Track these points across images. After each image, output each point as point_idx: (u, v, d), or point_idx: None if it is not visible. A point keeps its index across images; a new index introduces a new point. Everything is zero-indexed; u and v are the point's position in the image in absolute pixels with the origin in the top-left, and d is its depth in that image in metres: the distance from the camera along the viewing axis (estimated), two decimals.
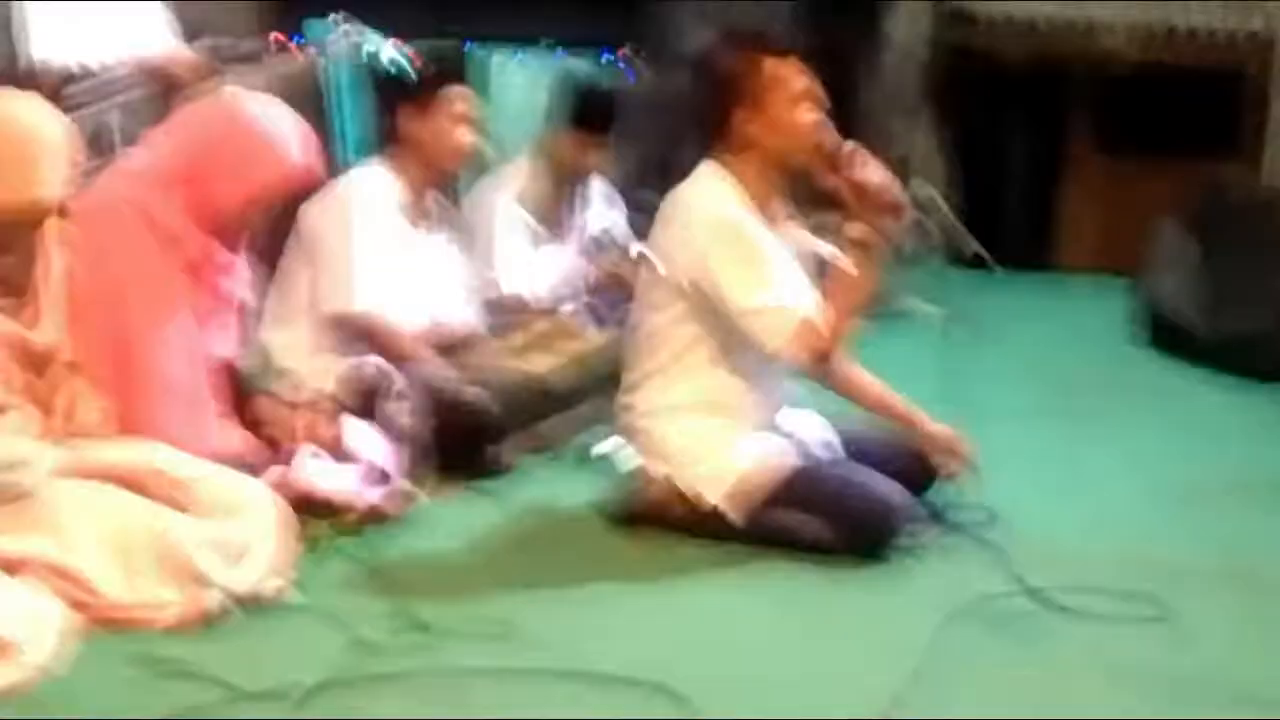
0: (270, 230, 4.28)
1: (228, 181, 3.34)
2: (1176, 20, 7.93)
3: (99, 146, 4.37)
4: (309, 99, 5.82)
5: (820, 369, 3.58)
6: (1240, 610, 3.25)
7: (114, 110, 4.47)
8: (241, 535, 3.05)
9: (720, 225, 3.43)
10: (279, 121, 3.44)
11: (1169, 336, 6.04)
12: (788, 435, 3.64)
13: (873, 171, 3.43)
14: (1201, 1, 7.98)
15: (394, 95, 4.41)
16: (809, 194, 3.73)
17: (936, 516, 3.66)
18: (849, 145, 3.47)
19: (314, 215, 4.22)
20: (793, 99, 3.49)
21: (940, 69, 8.38)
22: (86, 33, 4.55)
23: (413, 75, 4.53)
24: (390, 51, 6.13)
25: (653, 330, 3.56)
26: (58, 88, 4.29)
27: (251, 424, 3.63)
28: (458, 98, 4.35)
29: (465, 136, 4.35)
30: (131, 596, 2.87)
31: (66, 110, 3.79)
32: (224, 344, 3.56)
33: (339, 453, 3.56)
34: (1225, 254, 5.95)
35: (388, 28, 6.35)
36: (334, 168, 4.85)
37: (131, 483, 3.00)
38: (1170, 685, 2.81)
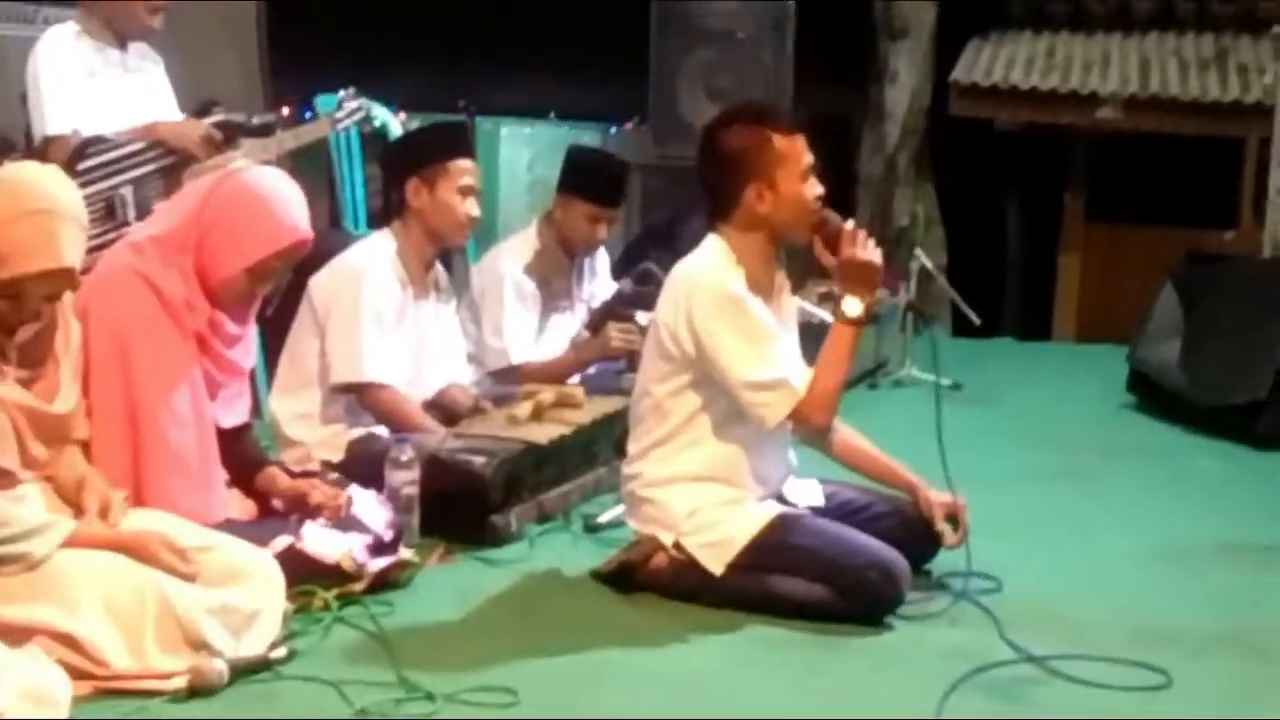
0: (280, 300, 4.36)
1: (229, 253, 3.38)
2: (1175, 90, 8.01)
3: (112, 219, 4.45)
4: (319, 171, 5.92)
5: (818, 439, 3.63)
6: (1237, 672, 3.26)
7: (127, 184, 4.53)
8: (247, 604, 3.07)
9: (722, 298, 3.48)
10: (283, 194, 3.49)
11: (1163, 402, 6.09)
12: (791, 505, 3.68)
13: (869, 250, 3.49)
14: (1201, 72, 8.07)
15: (401, 168, 4.47)
16: (812, 265, 3.80)
17: (938, 583, 3.70)
18: (849, 224, 3.53)
19: (323, 286, 4.28)
20: (802, 175, 3.55)
21: (938, 140, 8.47)
22: (99, 108, 4.62)
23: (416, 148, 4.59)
24: (398, 126, 6.23)
25: (657, 400, 3.60)
26: (72, 161, 4.36)
27: (260, 493, 3.66)
28: (463, 171, 4.42)
29: (471, 209, 4.41)
30: (137, 665, 2.89)
31: (80, 183, 3.87)
32: (233, 413, 3.60)
33: (345, 521, 3.58)
34: (1218, 322, 6.00)
35: (394, 103, 6.45)
36: (342, 238, 4.93)
37: (138, 552, 3.02)
38: None
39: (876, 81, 8.71)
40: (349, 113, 5.16)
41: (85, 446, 3.24)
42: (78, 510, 3.09)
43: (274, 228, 3.42)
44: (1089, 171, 8.47)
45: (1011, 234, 8.79)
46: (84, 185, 4.16)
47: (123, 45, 4.76)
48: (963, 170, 8.54)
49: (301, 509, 3.56)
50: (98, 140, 4.51)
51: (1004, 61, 8.34)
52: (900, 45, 8.62)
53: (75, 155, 4.42)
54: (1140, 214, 8.20)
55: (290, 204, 3.48)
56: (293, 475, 3.71)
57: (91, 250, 3.87)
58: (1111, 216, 8.41)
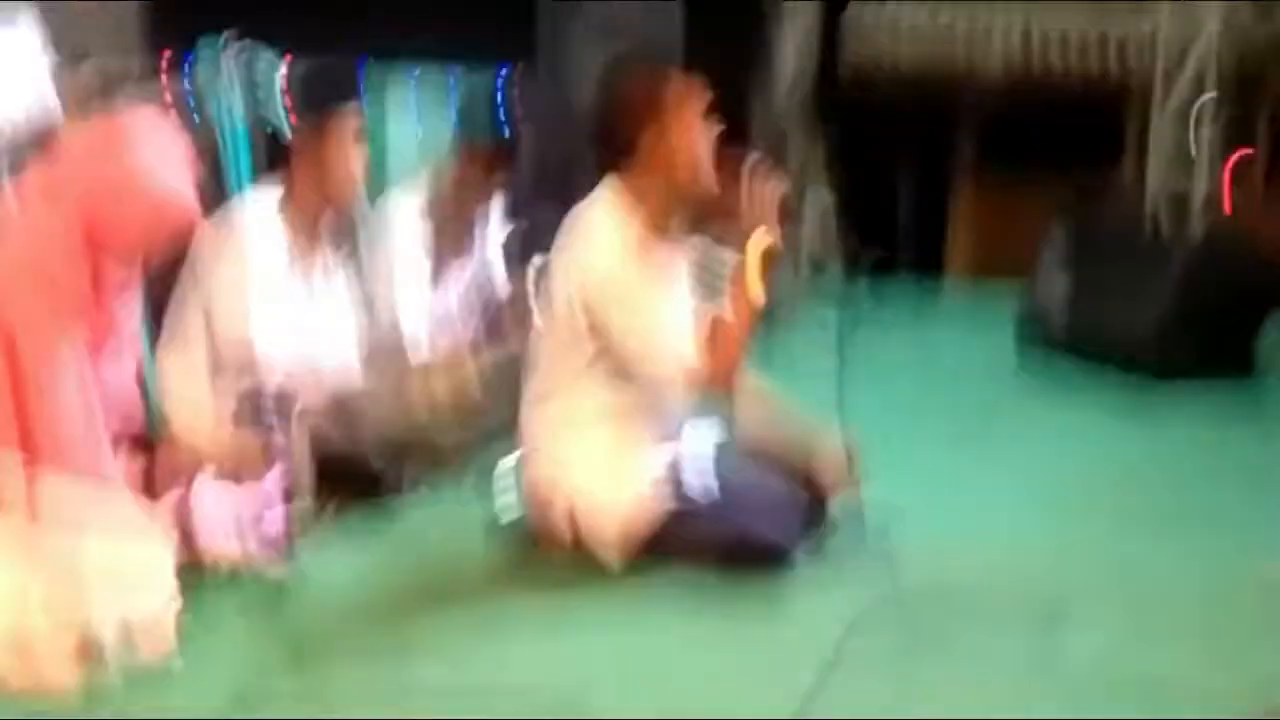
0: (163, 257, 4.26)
1: (117, 235, 3.30)
2: (1052, 27, 8.06)
3: None
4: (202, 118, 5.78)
5: (721, 390, 3.61)
6: (1123, 602, 3.32)
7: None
8: (141, 561, 3.01)
9: (610, 278, 3.45)
10: (167, 157, 3.40)
11: (1054, 339, 6.17)
12: (681, 456, 3.64)
13: (771, 183, 3.47)
14: (1079, 2, 8.11)
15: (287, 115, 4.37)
16: (705, 205, 3.77)
17: (834, 526, 3.70)
18: (750, 158, 3.50)
19: (207, 246, 4.17)
20: (699, 118, 3.52)
21: (830, 82, 8.48)
22: None
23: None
24: (282, 70, 6.09)
25: (554, 345, 3.57)
26: None
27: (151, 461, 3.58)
28: (351, 115, 4.32)
29: (358, 162, 4.32)
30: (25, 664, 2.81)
31: None
32: (120, 372, 3.51)
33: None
34: (1106, 261, 6.09)
35: (280, 46, 6.30)
36: (227, 192, 4.81)
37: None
38: (1061, 679, 2.87)
39: (770, 27, 8.68)
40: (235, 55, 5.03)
41: None
42: None
43: (160, 219, 3.33)
44: (978, 114, 8.54)
45: (905, 176, 8.84)
46: None
47: None
48: (857, 115, 8.56)
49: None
50: None
51: (895, 2, 8.34)
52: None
53: None
54: (1031, 156, 8.28)
55: (175, 194, 3.37)
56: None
57: None
58: (1003, 159, 8.49)
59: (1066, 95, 8.13)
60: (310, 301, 4.34)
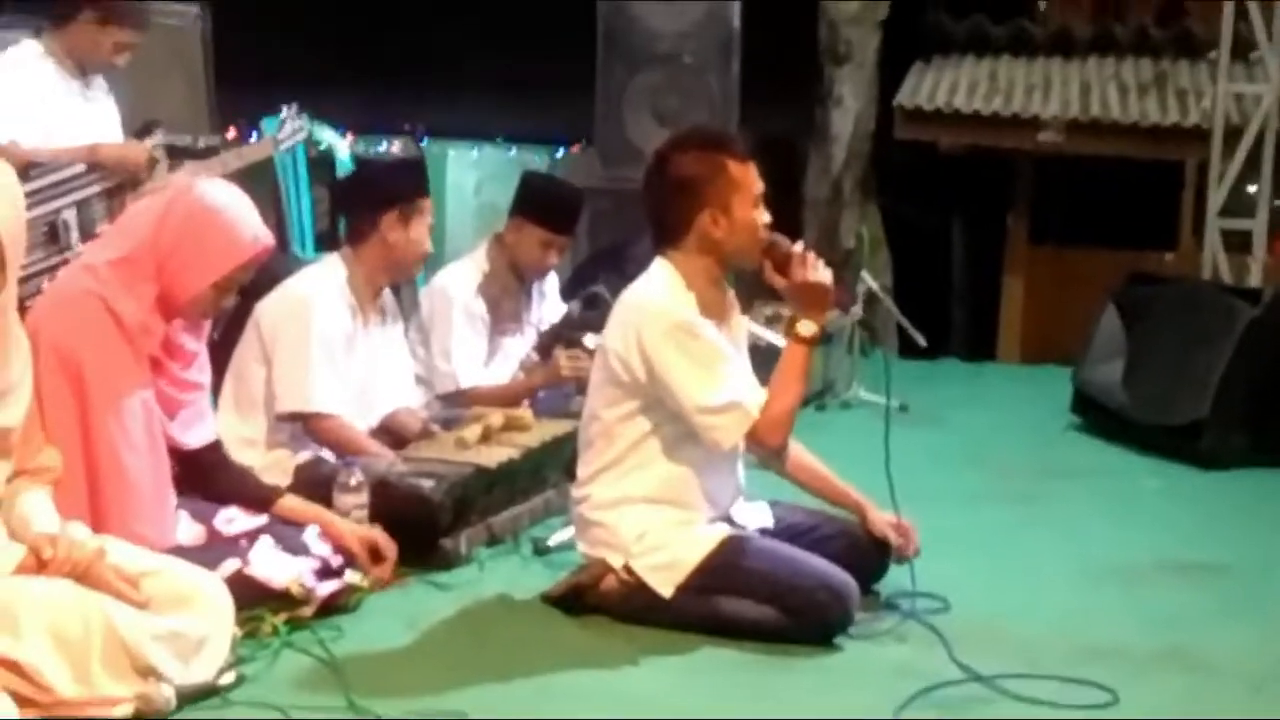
0: (225, 324, 4.34)
1: (195, 271, 3.38)
2: (1115, 114, 8.11)
3: (55, 244, 4.43)
4: (265, 193, 5.90)
5: (771, 459, 3.66)
6: (1180, 689, 3.31)
7: (70, 207, 4.51)
8: (195, 629, 3.05)
9: (672, 325, 3.49)
10: (237, 205, 3.50)
11: (1105, 423, 6.16)
12: (741, 527, 3.69)
13: (819, 271, 3.51)
14: (1140, 96, 8.17)
15: (376, 200, 4.42)
16: (759, 287, 3.83)
17: (886, 604, 3.73)
18: (797, 246, 3.56)
19: (270, 313, 4.26)
20: (754, 202, 3.57)
21: (883, 162, 8.53)
22: (51, 130, 4.61)
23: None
24: (346, 149, 6.22)
25: (605, 424, 3.61)
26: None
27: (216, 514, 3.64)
28: (429, 209, 4.45)
29: (428, 244, 4.46)
30: (83, 692, 2.86)
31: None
32: (196, 433, 3.57)
33: (293, 546, 3.56)
34: (1159, 342, 6.09)
35: (341, 125, 6.45)
36: (289, 262, 4.91)
37: (87, 579, 3.00)
38: None
39: (821, 105, 8.76)
40: (292, 132, 5.16)
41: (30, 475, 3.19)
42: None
43: (236, 240, 3.43)
44: (1032, 194, 8.56)
45: (956, 256, 8.86)
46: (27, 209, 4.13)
47: (83, 74, 4.76)
48: (907, 193, 8.60)
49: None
50: (39, 164, 4.48)
51: (947, 85, 8.42)
52: (845, 70, 8.67)
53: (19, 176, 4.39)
54: (1082, 236, 8.29)
55: (245, 213, 3.49)
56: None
57: (33, 276, 3.84)
58: (1054, 239, 8.50)
59: (1119, 175, 8.15)
60: (373, 358, 4.42)
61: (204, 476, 3.59)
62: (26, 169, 4.41)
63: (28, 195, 4.30)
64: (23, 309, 3.31)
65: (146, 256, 3.39)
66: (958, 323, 8.62)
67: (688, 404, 3.48)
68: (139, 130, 4.83)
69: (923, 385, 6.54)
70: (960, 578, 3.82)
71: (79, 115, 4.73)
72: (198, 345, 3.53)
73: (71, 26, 4.72)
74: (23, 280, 3.37)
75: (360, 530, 3.72)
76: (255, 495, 3.67)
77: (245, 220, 3.48)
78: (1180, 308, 6.22)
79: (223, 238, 3.42)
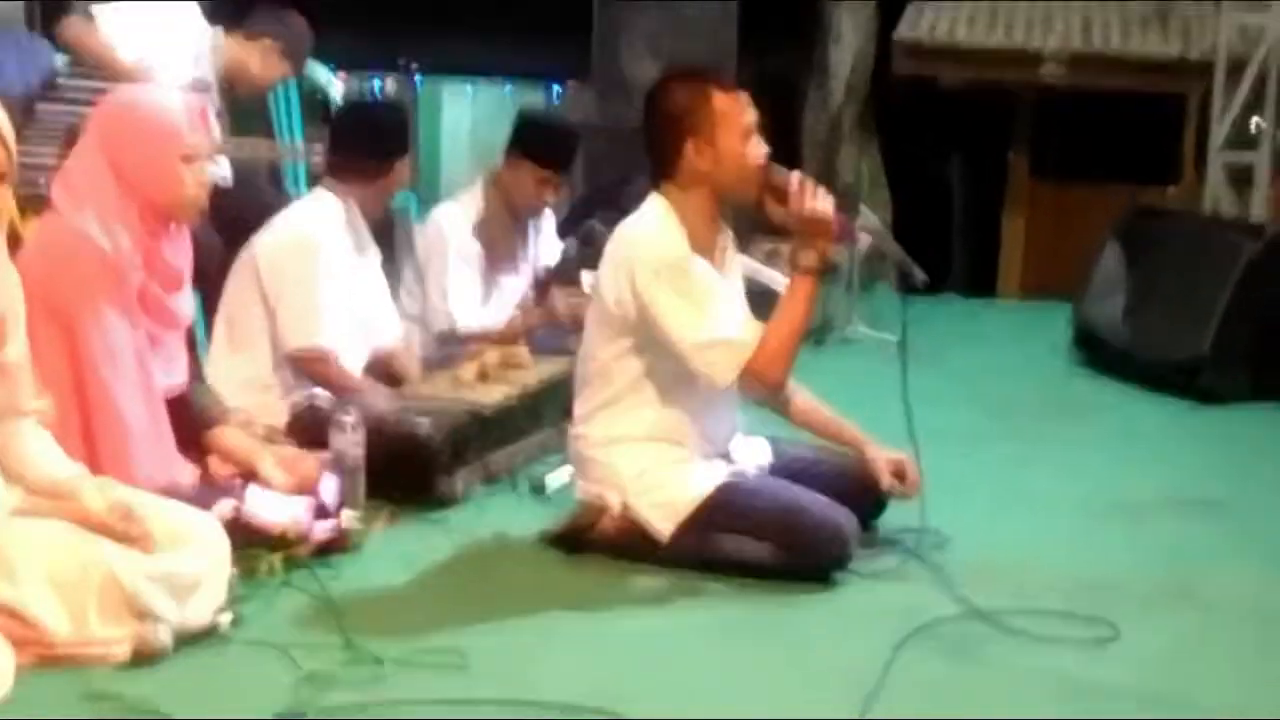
0: (213, 263, 4.31)
1: (154, 160, 3.38)
2: (1118, 47, 8.04)
3: (71, 145, 4.38)
4: (260, 133, 5.87)
5: (768, 396, 3.63)
6: (1182, 624, 3.31)
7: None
8: (192, 570, 3.04)
9: (663, 263, 3.46)
10: (146, 91, 3.63)
11: (1106, 359, 6.14)
12: (737, 464, 3.67)
13: (820, 201, 3.46)
14: (1143, 29, 8.10)
15: (386, 147, 4.44)
16: (759, 223, 3.79)
17: (885, 540, 3.71)
18: (796, 176, 3.51)
19: (272, 250, 4.22)
20: (742, 133, 3.52)
21: (883, 99, 8.47)
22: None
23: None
24: (339, 87, 6.17)
25: (602, 363, 3.58)
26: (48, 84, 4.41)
27: (209, 455, 3.62)
28: (406, 170, 4.50)
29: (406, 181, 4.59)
30: (80, 634, 2.85)
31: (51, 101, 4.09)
32: (174, 373, 3.55)
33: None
34: (1160, 279, 6.06)
35: (333, 63, 6.38)
36: (283, 199, 4.88)
37: (82, 520, 2.98)
38: (1118, 702, 2.85)
39: (821, 41, 8.69)
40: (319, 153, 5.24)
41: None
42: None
43: (169, 111, 3.44)
44: (1033, 129, 8.50)
45: (956, 192, 8.81)
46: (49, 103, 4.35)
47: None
48: (907, 130, 8.55)
49: (280, 481, 3.53)
50: (76, 65, 4.53)
51: (947, 20, 8.34)
52: (844, 5, 8.60)
53: (52, 75, 4.46)
54: (1084, 171, 8.24)
55: (161, 92, 3.62)
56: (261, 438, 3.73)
57: (39, 169, 3.83)
58: (1056, 174, 8.45)
59: (1121, 109, 8.09)
60: (361, 288, 4.41)
61: (172, 417, 3.55)
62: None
63: (61, 92, 4.38)
64: (32, 198, 3.36)
65: (107, 178, 3.37)
66: (958, 259, 8.59)
67: (679, 342, 3.45)
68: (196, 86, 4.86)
69: (922, 322, 6.40)
70: (961, 514, 3.81)
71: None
72: (179, 261, 3.51)
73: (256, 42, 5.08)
74: (27, 168, 3.34)
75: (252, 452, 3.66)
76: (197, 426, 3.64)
77: (164, 96, 3.55)
78: (1182, 243, 6.19)
79: (155, 114, 3.43)
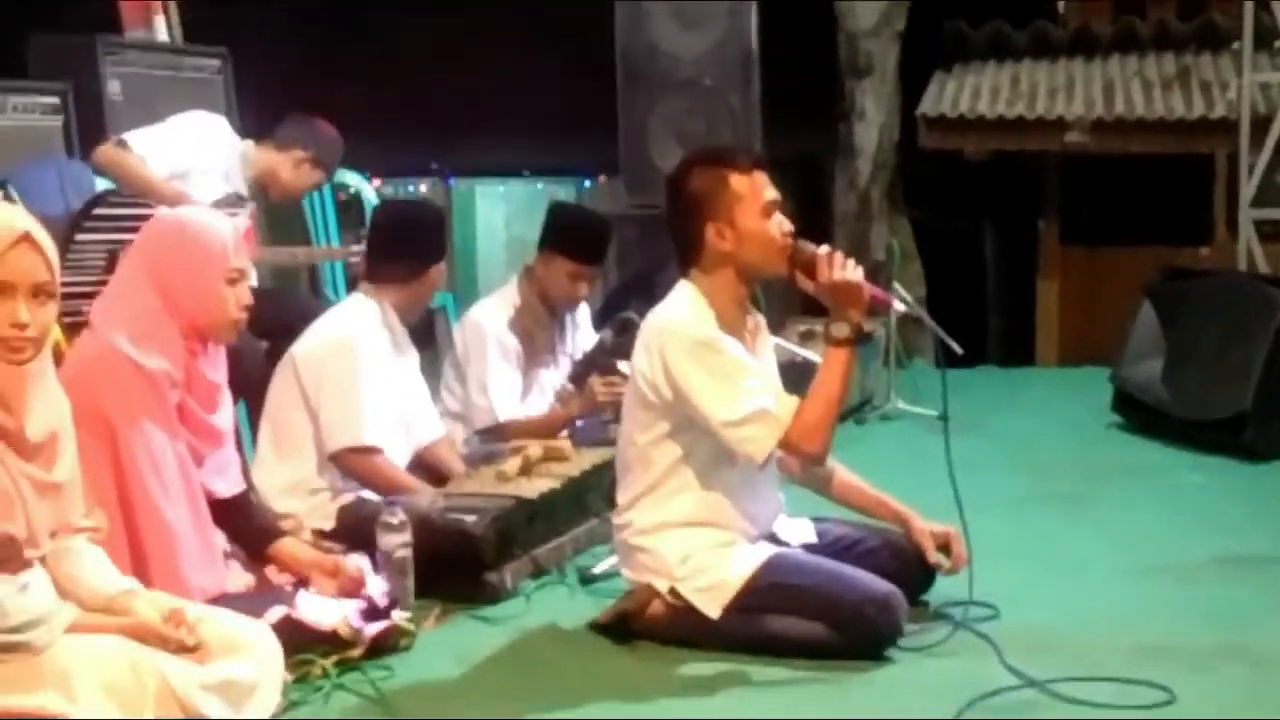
0: (255, 370, 4.37)
1: (197, 279, 3.43)
2: (1141, 111, 8.07)
3: (110, 271, 4.46)
4: (296, 239, 5.97)
5: (808, 471, 3.64)
6: (1239, 683, 3.28)
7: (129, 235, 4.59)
8: (246, 676, 3.05)
9: (694, 343, 3.48)
10: (190, 211, 3.69)
11: (1147, 420, 6.12)
12: (784, 544, 3.68)
13: (849, 270, 3.48)
14: (1164, 91, 8.13)
15: (425, 251, 4.52)
16: (794, 304, 3.81)
17: (935, 614, 3.70)
18: (824, 249, 3.53)
19: (310, 356, 4.28)
20: (762, 211, 3.55)
21: (910, 173, 8.52)
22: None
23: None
24: (373, 192, 6.27)
25: (641, 449, 3.61)
26: (87, 207, 4.49)
27: (266, 561, 3.66)
28: (442, 275, 4.59)
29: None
30: None
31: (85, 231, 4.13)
32: (226, 482, 3.60)
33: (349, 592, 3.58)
34: (1197, 337, 6.04)
35: (366, 169, 6.49)
36: (322, 306, 4.95)
37: (142, 636, 3.01)
38: None
39: (845, 119, 8.76)
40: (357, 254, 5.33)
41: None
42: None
43: (215, 233, 3.49)
44: (1061, 196, 8.53)
45: (989, 263, 8.84)
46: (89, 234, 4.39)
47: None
48: (936, 202, 8.59)
49: (333, 591, 3.56)
50: (113, 193, 4.61)
51: (969, 92, 8.41)
52: (866, 82, 8.68)
53: (91, 203, 4.53)
54: (1115, 235, 8.25)
55: (204, 212, 3.69)
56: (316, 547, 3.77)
57: (81, 296, 3.90)
58: (1086, 239, 8.46)
59: (1148, 171, 8.12)
60: (407, 394, 4.46)
61: (233, 524, 3.61)
62: (99, 200, 4.54)
63: (100, 220, 4.46)
64: (75, 327, 3.43)
65: (149, 296, 3.42)
66: (994, 329, 8.60)
67: (714, 419, 3.46)
68: (230, 200, 4.95)
69: (962, 393, 6.47)
70: (1009, 584, 3.79)
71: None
72: (217, 377, 3.56)
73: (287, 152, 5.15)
74: (69, 298, 3.40)
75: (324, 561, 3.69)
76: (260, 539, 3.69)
77: (209, 216, 3.62)
78: (1217, 301, 6.17)
79: (202, 236, 3.47)
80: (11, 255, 2.84)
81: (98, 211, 4.51)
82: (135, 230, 4.48)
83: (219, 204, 4.75)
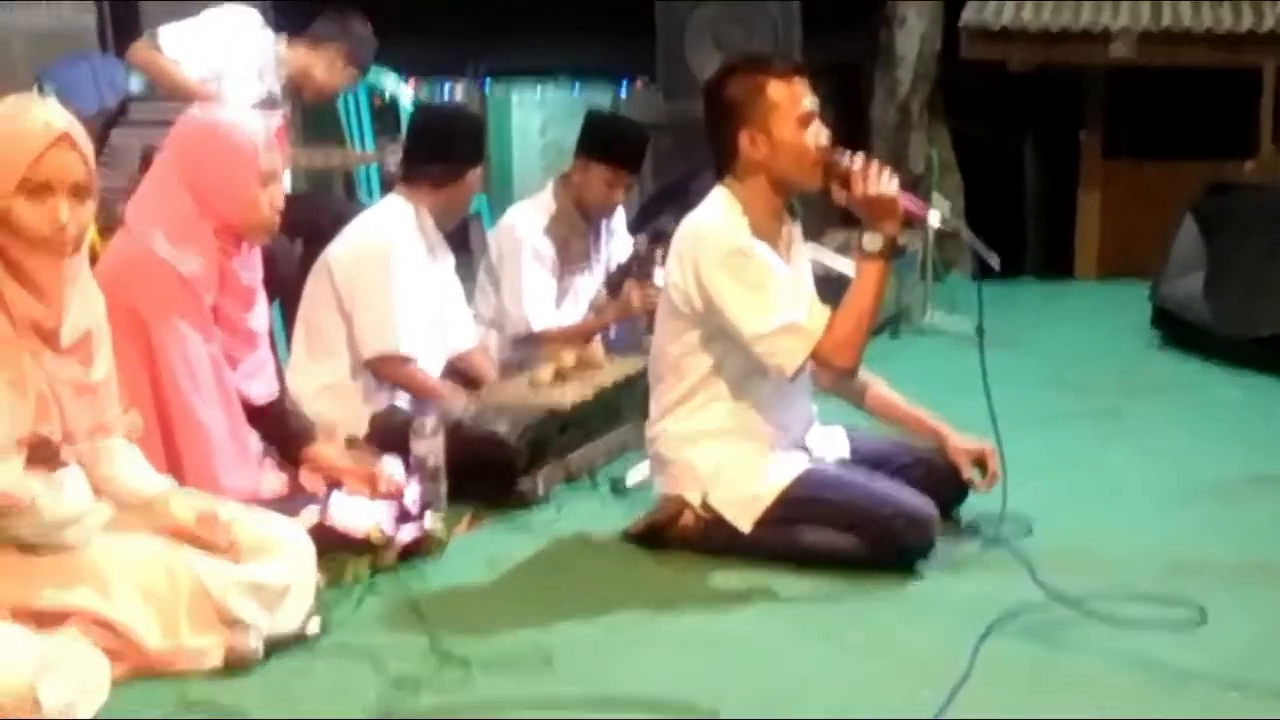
0: (290, 272, 4.36)
1: (231, 179, 3.41)
2: (1188, 23, 7.93)
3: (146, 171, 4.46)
4: (331, 142, 5.94)
5: (838, 384, 3.61)
6: (1271, 603, 3.26)
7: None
8: (279, 579, 3.08)
9: (726, 252, 3.45)
10: (224, 109, 3.67)
11: (1187, 337, 6.06)
12: (818, 457, 3.67)
13: (885, 182, 3.43)
14: (1213, 3, 7.98)
15: (464, 154, 4.47)
16: (831, 214, 3.77)
17: (968, 529, 3.69)
18: (860, 158, 3.48)
19: (345, 259, 4.27)
20: (798, 120, 3.50)
21: (952, 83, 8.41)
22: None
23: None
24: (408, 95, 6.23)
25: (673, 359, 3.59)
26: (122, 107, 4.46)
27: (300, 466, 3.67)
28: (478, 179, 4.52)
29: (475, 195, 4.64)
30: (172, 644, 2.90)
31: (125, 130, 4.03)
32: (260, 385, 3.60)
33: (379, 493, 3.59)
34: (1240, 253, 5.97)
35: (403, 70, 6.43)
36: (357, 209, 4.93)
37: (172, 532, 3.03)
38: (1208, 686, 2.82)
39: (886, 27, 8.64)
40: (394, 152, 5.27)
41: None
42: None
43: (247, 132, 3.46)
44: (1104, 108, 8.41)
45: (1029, 175, 8.73)
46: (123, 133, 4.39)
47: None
48: (977, 113, 8.48)
49: (371, 493, 3.57)
50: (148, 94, 4.58)
51: (1013, 2, 8.27)
52: None
53: (124, 103, 4.51)
54: (1158, 148, 8.14)
55: (237, 110, 3.63)
56: (350, 451, 3.79)
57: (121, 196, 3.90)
58: (1129, 152, 8.35)
59: (1193, 84, 7.99)
60: (437, 292, 4.45)
61: (268, 427, 3.62)
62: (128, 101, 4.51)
63: (133, 124, 4.43)
64: (110, 228, 3.41)
65: (183, 196, 3.41)
66: (1033, 242, 8.51)
67: (744, 331, 3.43)
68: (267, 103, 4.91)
69: (999, 307, 6.36)
70: (1043, 500, 3.77)
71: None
72: (252, 279, 3.55)
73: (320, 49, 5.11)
74: (103, 198, 3.38)
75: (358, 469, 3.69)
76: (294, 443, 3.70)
77: (240, 116, 3.58)
78: (1261, 216, 6.09)
79: (233, 136, 3.45)
80: (51, 154, 2.83)
81: (132, 107, 4.49)
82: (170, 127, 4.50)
83: (255, 107, 4.71)
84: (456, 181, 4.42)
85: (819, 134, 3.51)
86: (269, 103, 4.93)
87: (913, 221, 3.63)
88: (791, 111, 3.49)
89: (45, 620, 2.84)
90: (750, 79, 3.51)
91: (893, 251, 3.49)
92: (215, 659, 2.90)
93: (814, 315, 3.46)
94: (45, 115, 2.88)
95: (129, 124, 4.46)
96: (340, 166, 5.82)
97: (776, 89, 3.49)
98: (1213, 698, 2.77)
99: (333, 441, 3.83)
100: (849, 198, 3.47)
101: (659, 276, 4.71)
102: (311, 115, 5.49)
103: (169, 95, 4.66)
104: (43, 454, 2.90)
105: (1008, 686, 2.82)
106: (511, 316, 4.96)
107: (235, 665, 2.89)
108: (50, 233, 2.83)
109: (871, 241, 3.46)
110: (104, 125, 4.43)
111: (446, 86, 8.07)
